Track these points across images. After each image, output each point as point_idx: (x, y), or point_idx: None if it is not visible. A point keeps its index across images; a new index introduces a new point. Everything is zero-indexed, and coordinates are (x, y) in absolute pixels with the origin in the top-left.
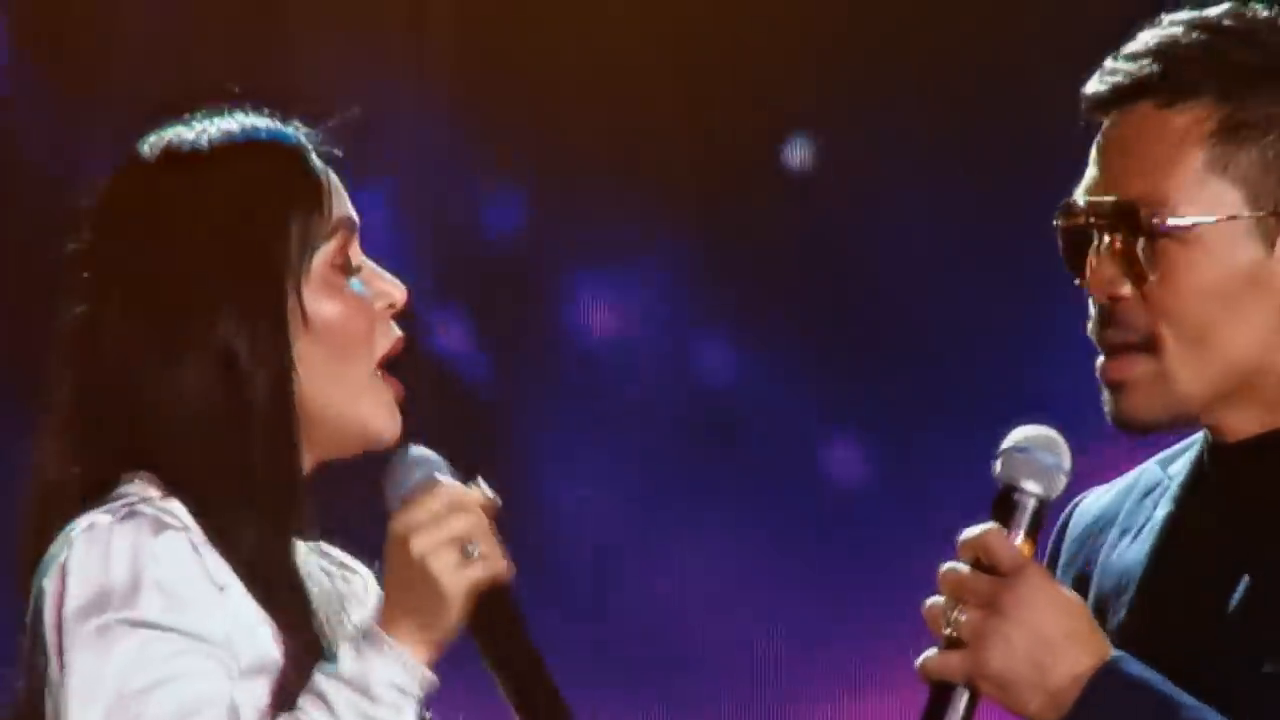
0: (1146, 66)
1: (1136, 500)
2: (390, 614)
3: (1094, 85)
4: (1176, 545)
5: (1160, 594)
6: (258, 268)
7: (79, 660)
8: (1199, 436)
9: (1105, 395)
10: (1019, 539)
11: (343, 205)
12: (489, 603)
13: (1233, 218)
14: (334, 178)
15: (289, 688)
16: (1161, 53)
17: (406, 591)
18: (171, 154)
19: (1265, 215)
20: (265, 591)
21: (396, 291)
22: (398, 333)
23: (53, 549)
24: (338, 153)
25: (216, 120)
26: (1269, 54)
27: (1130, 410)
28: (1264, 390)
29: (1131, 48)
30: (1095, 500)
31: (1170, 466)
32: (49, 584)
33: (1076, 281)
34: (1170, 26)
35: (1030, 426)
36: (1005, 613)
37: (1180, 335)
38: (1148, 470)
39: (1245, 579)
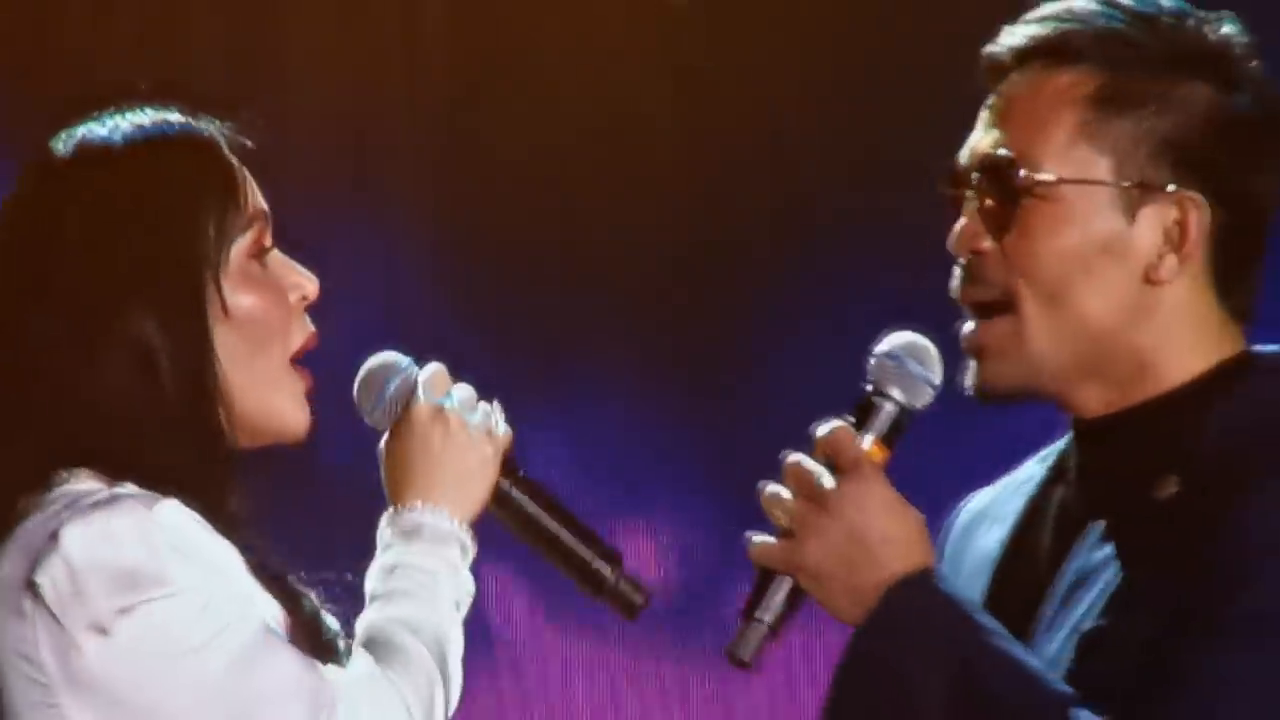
0: (1040, 30)
1: (1010, 493)
2: (426, 494)
3: (991, 48)
4: (1030, 530)
5: (1008, 577)
6: (175, 260)
7: (127, 636)
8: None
9: (967, 366)
10: (869, 442)
11: (256, 197)
12: (507, 467)
13: (1098, 183)
14: (245, 171)
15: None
16: (1056, 18)
17: (440, 475)
18: (84, 149)
19: (1129, 186)
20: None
21: (309, 284)
22: (311, 328)
23: (11, 551)
24: (250, 144)
25: (128, 116)
26: (1159, 36)
27: (989, 377)
28: (1117, 366)
29: (1030, 15)
30: (977, 499)
31: (1046, 461)
32: (54, 585)
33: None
34: (1068, 2)
35: (905, 333)
36: (829, 508)
37: (1036, 293)
38: (1026, 466)
39: (1077, 558)
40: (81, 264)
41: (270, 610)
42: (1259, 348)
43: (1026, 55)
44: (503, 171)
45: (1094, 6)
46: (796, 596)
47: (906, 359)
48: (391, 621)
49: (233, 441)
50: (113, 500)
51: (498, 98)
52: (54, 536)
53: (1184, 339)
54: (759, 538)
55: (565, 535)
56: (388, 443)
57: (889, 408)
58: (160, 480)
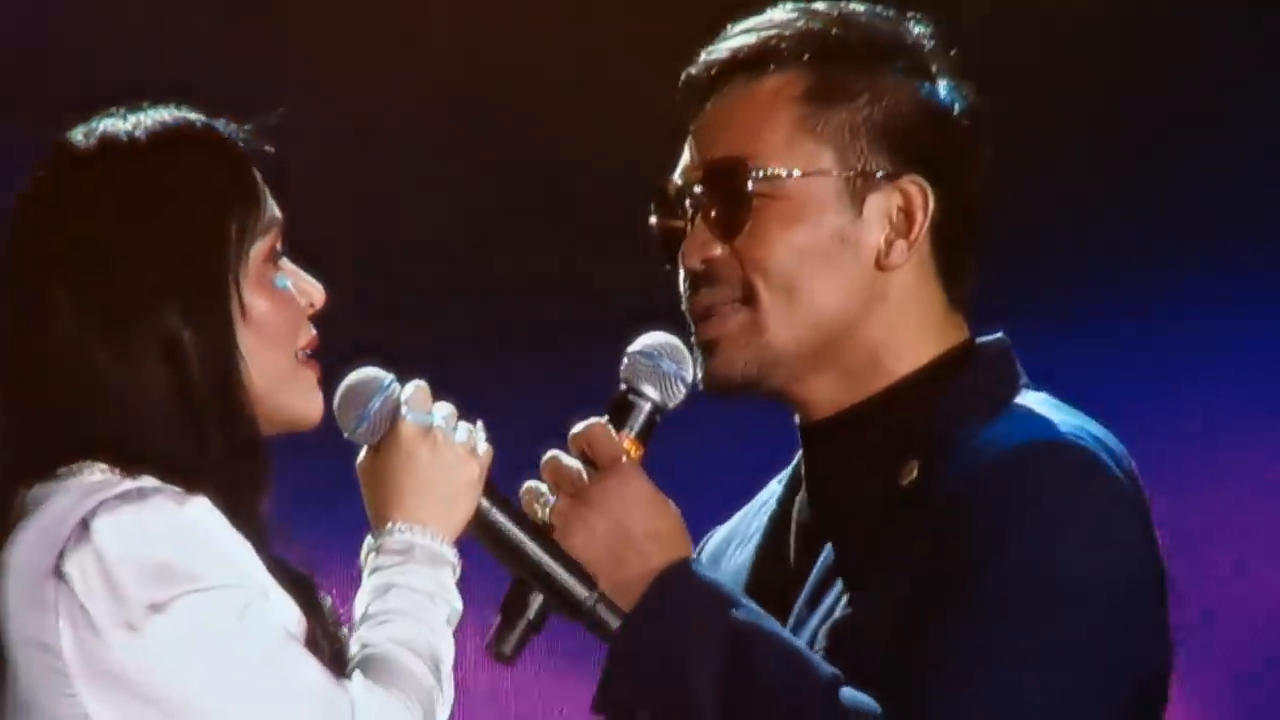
0: (741, 42)
1: (753, 514)
2: (415, 514)
3: (691, 70)
4: (775, 542)
5: (759, 589)
6: (203, 257)
7: (157, 635)
8: None
9: (699, 362)
10: (627, 440)
11: (272, 203)
12: (488, 487)
13: (822, 173)
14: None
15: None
16: (754, 29)
17: (427, 494)
18: (108, 142)
19: (853, 175)
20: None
21: (317, 292)
22: (313, 330)
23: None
24: (269, 149)
25: (148, 112)
26: (858, 32)
27: (722, 366)
28: (849, 357)
29: (726, 33)
30: (724, 526)
31: (783, 478)
32: (85, 582)
33: (668, 267)
34: (766, 13)
35: (659, 333)
36: (592, 503)
37: (771, 286)
38: (769, 486)
39: (816, 567)
40: (111, 256)
41: (289, 611)
42: (981, 338)
43: (730, 69)
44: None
45: (788, 14)
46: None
47: (660, 357)
48: (392, 641)
49: (261, 433)
50: (143, 494)
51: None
52: (84, 526)
53: (912, 327)
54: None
55: (544, 558)
56: (371, 460)
57: (645, 405)
58: (180, 471)
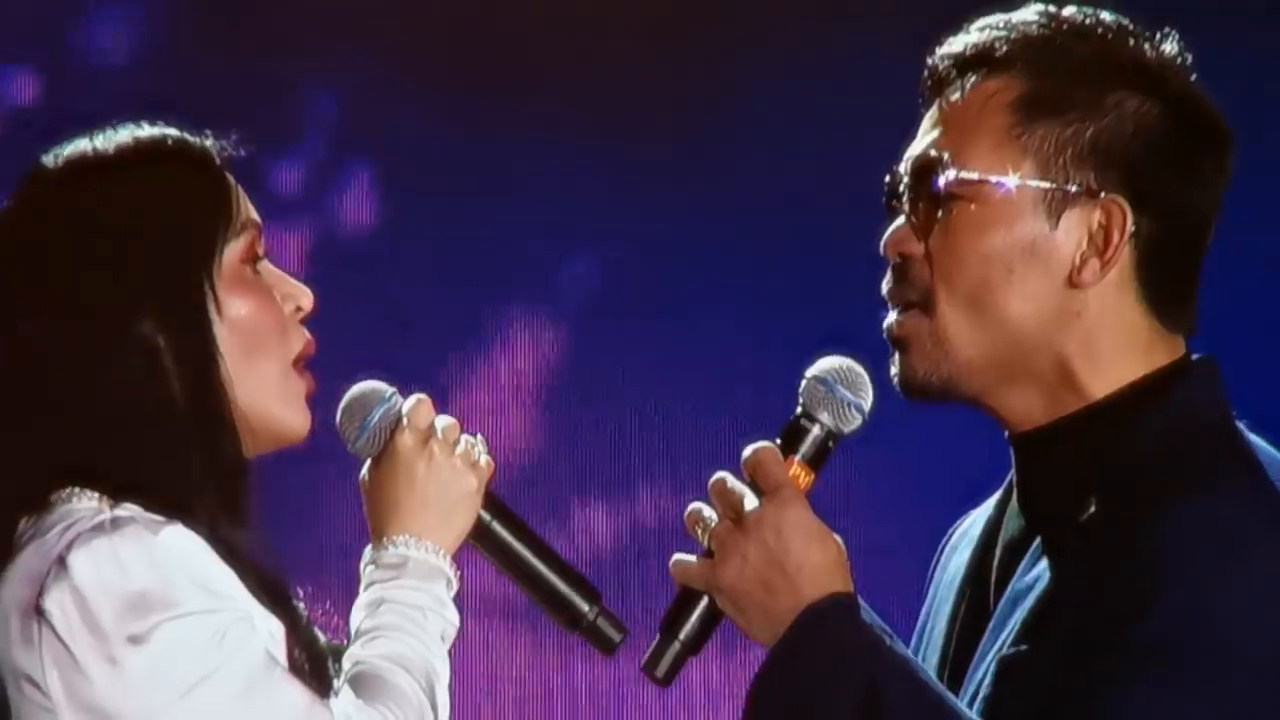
0: (975, 39)
1: (983, 513)
2: (411, 526)
3: (930, 60)
4: (987, 550)
5: (968, 599)
6: (173, 263)
7: (137, 666)
8: None
9: (893, 358)
10: (795, 465)
11: (248, 207)
12: (489, 500)
13: (1021, 184)
14: (234, 182)
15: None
16: (992, 28)
17: (423, 507)
18: (75, 161)
19: (1053, 189)
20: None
21: (303, 296)
22: (308, 335)
23: (16, 575)
24: (243, 153)
25: (120, 130)
26: (1091, 45)
27: (909, 370)
28: (1041, 372)
29: (971, 26)
30: (965, 520)
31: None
32: (64, 615)
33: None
34: (1010, 13)
35: (837, 357)
36: (749, 530)
37: (952, 296)
38: (1006, 483)
39: (1013, 580)
40: (80, 272)
41: (271, 629)
42: (1197, 356)
43: (963, 65)
44: None
45: (1031, 17)
46: (713, 616)
47: (836, 384)
48: (383, 658)
49: (243, 445)
50: (116, 524)
51: None
52: (61, 562)
53: (1109, 348)
54: (681, 556)
55: (545, 570)
56: (370, 473)
57: (816, 431)
58: (165, 496)
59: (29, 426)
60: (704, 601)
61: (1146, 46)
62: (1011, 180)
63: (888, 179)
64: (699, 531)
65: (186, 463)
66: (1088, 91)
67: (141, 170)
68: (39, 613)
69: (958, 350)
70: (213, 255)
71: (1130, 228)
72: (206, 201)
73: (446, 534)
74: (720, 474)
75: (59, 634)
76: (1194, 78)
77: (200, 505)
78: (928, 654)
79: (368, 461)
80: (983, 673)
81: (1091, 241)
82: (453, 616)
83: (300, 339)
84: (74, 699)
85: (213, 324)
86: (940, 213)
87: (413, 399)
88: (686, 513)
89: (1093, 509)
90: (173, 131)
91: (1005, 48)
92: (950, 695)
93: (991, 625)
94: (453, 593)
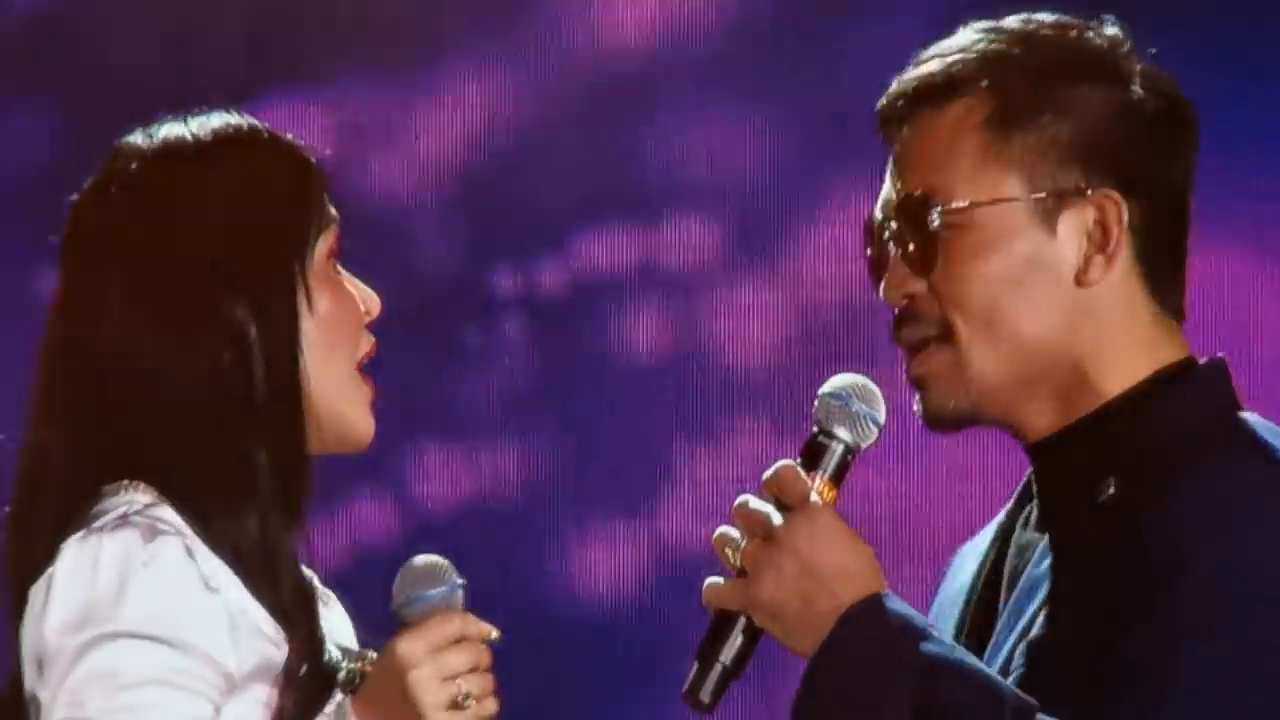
0: (926, 69)
1: (990, 530)
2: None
3: (881, 101)
4: (999, 558)
5: (978, 605)
6: (270, 253)
7: (60, 677)
8: None
9: (916, 397)
10: (819, 481)
11: (329, 202)
12: None
13: (1011, 200)
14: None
15: (292, 688)
16: (939, 56)
17: (385, 704)
18: (171, 145)
19: (1044, 197)
20: (268, 589)
21: (373, 301)
22: (372, 338)
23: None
24: (327, 152)
25: (213, 116)
26: (1042, 48)
27: (935, 403)
28: (1058, 379)
29: (916, 59)
30: (969, 542)
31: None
32: (35, 598)
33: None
34: (950, 37)
35: (849, 375)
36: (781, 544)
37: (970, 321)
38: (1008, 506)
39: (1024, 576)
40: (176, 255)
41: (266, 639)
42: (1202, 359)
43: (916, 100)
44: None
45: (974, 36)
46: (753, 635)
47: (851, 399)
48: None
49: (309, 443)
50: (118, 526)
51: None
52: (60, 552)
53: (1120, 342)
54: (713, 580)
55: None
56: (387, 645)
57: (836, 447)
58: (220, 491)
59: (99, 408)
60: (741, 621)
61: (1091, 34)
62: (999, 199)
63: (866, 229)
64: (729, 554)
65: (253, 455)
66: (1053, 94)
67: (239, 159)
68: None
69: (982, 375)
70: (306, 248)
71: (1126, 217)
72: (301, 193)
73: None
74: (743, 496)
75: (28, 626)
76: (1146, 54)
77: (258, 501)
78: None
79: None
80: (1004, 658)
81: (1090, 240)
82: None
83: (368, 341)
84: (39, 695)
85: (301, 317)
86: (935, 247)
87: (449, 614)
88: (714, 538)
89: (1111, 490)
90: (257, 121)
91: (960, 71)
92: (996, 673)
93: (1005, 616)
94: None
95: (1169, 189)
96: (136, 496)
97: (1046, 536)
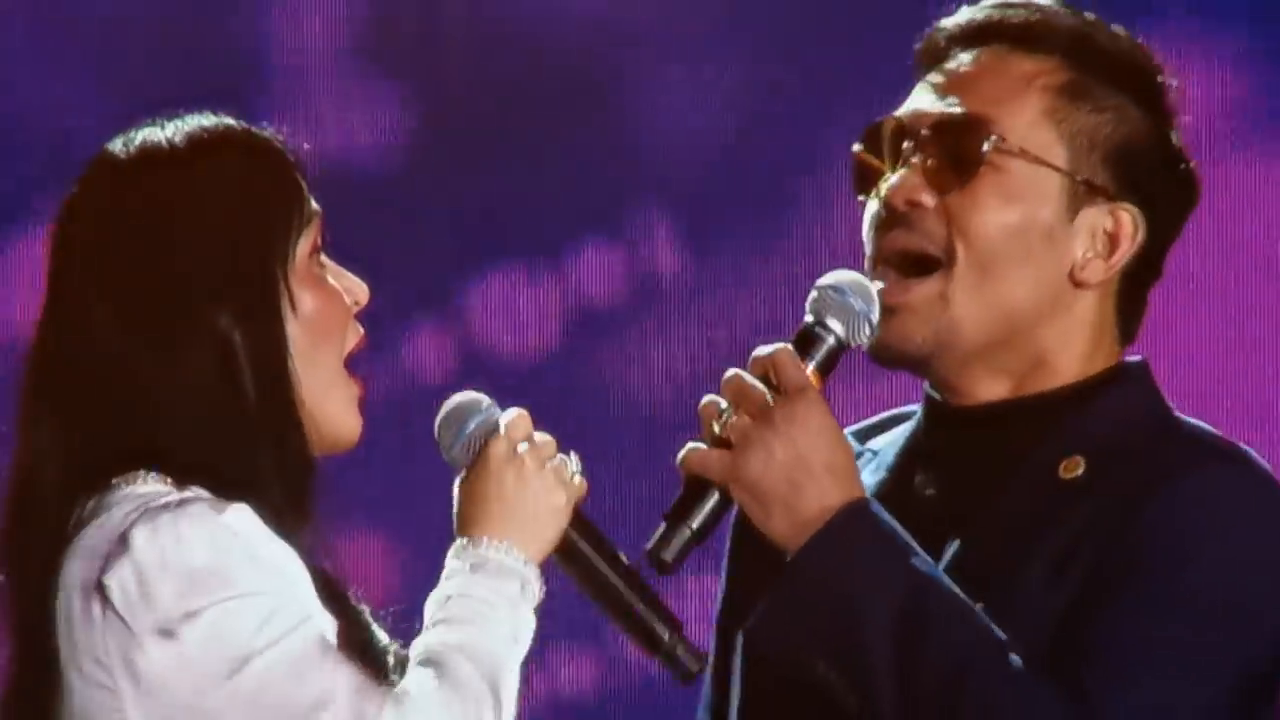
0: (1011, 14)
1: (880, 453)
2: (493, 530)
3: (945, 22)
4: (891, 509)
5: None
6: (250, 255)
7: (191, 642)
8: (906, 410)
9: (877, 320)
10: (809, 369)
11: (310, 198)
12: (579, 519)
13: (1056, 168)
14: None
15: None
16: (1022, 5)
17: (509, 514)
18: (147, 150)
19: (1078, 181)
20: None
21: (360, 290)
22: (360, 330)
23: (78, 554)
24: (306, 147)
25: (186, 120)
26: (1123, 48)
27: (899, 333)
28: (1017, 358)
29: (985, 1)
30: (874, 441)
31: (870, 440)
32: (119, 582)
33: (860, 198)
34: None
35: (851, 271)
36: (775, 426)
37: (970, 252)
38: (890, 433)
39: (955, 546)
40: (158, 262)
41: (326, 623)
42: (1128, 359)
43: (993, 34)
44: None
45: (1063, 9)
46: (724, 507)
47: (850, 294)
48: (445, 645)
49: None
50: (182, 504)
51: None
52: (123, 539)
53: (1081, 346)
54: (696, 445)
55: (628, 593)
56: (462, 480)
57: (830, 339)
58: (233, 483)
59: (97, 410)
60: (717, 493)
61: (1165, 74)
62: (1045, 162)
63: (876, 127)
64: (715, 424)
65: (253, 459)
66: (1119, 96)
67: (216, 164)
68: (100, 589)
69: (959, 321)
70: (288, 250)
71: (1139, 239)
72: (280, 194)
73: (529, 543)
74: (734, 370)
75: (118, 610)
76: (1178, 99)
77: (266, 500)
78: None
79: (462, 471)
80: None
81: (1097, 243)
82: (528, 619)
83: (355, 334)
84: (133, 677)
85: (286, 321)
86: (970, 172)
87: (512, 411)
88: (702, 404)
89: (1080, 471)
90: (235, 122)
91: (1048, 29)
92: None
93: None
94: (529, 597)
95: (1168, 234)
96: (159, 486)
97: (993, 505)
